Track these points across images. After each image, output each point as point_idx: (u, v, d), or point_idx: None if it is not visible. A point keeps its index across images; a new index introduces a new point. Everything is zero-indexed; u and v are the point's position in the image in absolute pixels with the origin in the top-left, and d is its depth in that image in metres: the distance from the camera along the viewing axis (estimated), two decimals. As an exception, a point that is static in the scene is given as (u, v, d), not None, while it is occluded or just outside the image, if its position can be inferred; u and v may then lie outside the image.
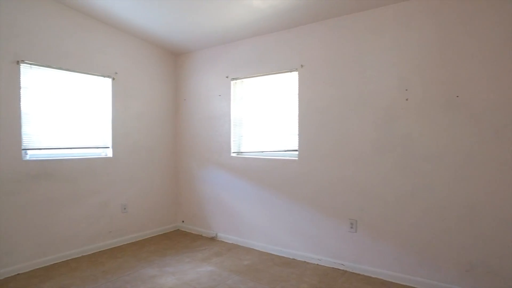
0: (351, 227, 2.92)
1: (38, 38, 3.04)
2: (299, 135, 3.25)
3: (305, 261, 3.19)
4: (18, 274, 2.91)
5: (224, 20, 3.24)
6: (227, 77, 3.84)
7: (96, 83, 3.54)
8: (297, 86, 3.28)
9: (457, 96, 2.44)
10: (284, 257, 3.33)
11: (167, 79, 4.34)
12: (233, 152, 3.80)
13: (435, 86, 2.53)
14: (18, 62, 2.92)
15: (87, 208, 3.44)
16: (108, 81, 3.64)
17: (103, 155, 3.63)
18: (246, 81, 3.74)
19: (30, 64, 3.00)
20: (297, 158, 3.28)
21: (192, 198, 4.24)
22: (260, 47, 3.57)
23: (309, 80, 3.20)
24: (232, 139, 3.79)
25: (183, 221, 4.39)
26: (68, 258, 3.27)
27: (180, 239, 4.00)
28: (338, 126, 3.01)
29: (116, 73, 3.68)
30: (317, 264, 3.11)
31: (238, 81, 3.78)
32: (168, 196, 4.34)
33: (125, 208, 3.78)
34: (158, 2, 2.99)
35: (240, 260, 3.26)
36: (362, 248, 2.88)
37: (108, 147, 3.65)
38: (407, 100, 2.66)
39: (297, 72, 3.28)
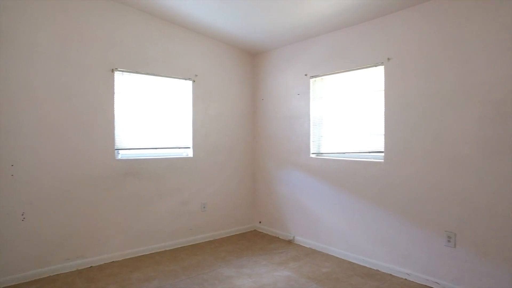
0: (449, 241, 2.58)
1: (129, 47, 3.37)
2: (385, 135, 2.99)
3: (390, 274, 2.94)
4: (112, 261, 3.25)
5: (303, 15, 3.18)
6: (306, 75, 3.75)
7: (178, 86, 3.81)
8: (383, 82, 3.04)
9: None
10: (366, 267, 3.12)
11: (245, 79, 4.44)
12: (312, 153, 3.71)
13: None
14: (112, 70, 3.22)
15: (169, 205, 3.66)
16: (189, 83, 3.86)
17: (184, 155, 3.84)
18: (326, 78, 3.63)
19: (122, 71, 3.26)
20: (382, 160, 3.03)
21: (270, 199, 4.27)
22: (340, 42, 3.41)
23: (397, 74, 2.92)
24: (311, 140, 3.73)
25: (260, 222, 4.42)
26: (153, 252, 3.54)
27: (256, 240, 4.03)
28: (432, 124, 2.69)
29: (196, 75, 3.87)
30: (405, 279, 2.83)
31: (317, 78, 3.69)
32: (246, 196, 4.43)
33: (204, 207, 3.93)
34: (236, 4, 3.02)
35: (319, 266, 3.14)
36: (464, 267, 2.52)
37: (189, 148, 3.85)
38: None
39: (383, 66, 3.05)
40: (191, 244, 3.83)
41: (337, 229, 3.44)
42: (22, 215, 2.81)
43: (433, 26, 2.69)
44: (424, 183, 2.75)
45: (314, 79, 3.70)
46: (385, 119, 3.02)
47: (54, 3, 2.93)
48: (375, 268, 3.07)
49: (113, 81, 3.28)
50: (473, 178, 2.46)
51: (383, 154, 3.05)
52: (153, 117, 3.60)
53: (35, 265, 2.87)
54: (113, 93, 3.27)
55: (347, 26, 3.33)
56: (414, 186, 2.81)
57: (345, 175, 3.35)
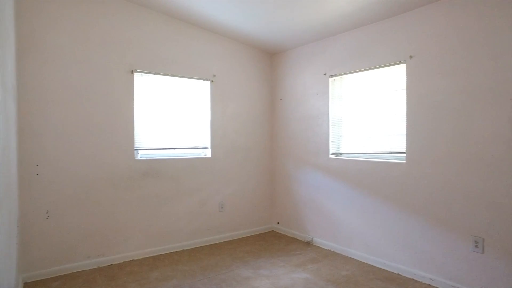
0: (476, 246, 2.47)
1: (148, 48, 3.42)
2: (407, 135, 2.90)
3: (413, 279, 2.84)
4: (132, 260, 3.28)
5: (322, 13, 3.13)
6: (324, 74, 3.70)
7: (196, 86, 3.82)
8: (405, 80, 2.93)
9: None
10: (387, 270, 3.03)
11: (263, 79, 4.45)
12: (332, 154, 3.64)
13: None
14: (132, 72, 3.25)
15: (188, 205, 3.69)
16: (207, 84, 3.85)
17: (202, 155, 3.86)
18: (345, 77, 3.56)
19: (141, 72, 3.31)
20: (404, 161, 2.95)
21: (288, 199, 4.23)
22: (361, 40, 3.34)
23: (420, 72, 2.83)
24: (330, 140, 3.67)
25: (278, 223, 4.39)
26: (171, 251, 3.56)
27: (274, 241, 4.00)
28: (457, 124, 2.58)
29: (214, 75, 3.88)
30: (429, 285, 2.73)
31: (336, 78, 3.64)
32: (264, 196, 4.41)
33: (222, 207, 3.94)
34: (253, 2, 3.00)
35: (338, 269, 3.08)
36: (493, 274, 2.41)
37: (207, 148, 3.86)
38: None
39: (405, 64, 2.96)
40: (209, 244, 3.85)
41: (357, 231, 3.37)
42: (47, 213, 2.90)
43: (458, 21, 2.59)
44: (448, 185, 2.65)
45: (333, 78, 3.65)
46: (407, 119, 2.93)
47: (75, 6, 3.00)
48: (397, 272, 2.98)
49: (133, 82, 3.34)
50: (503, 180, 2.35)
51: (405, 155, 2.96)
52: (171, 117, 3.65)
53: (58, 262, 2.96)
54: (132, 94, 3.33)
55: (367, 24, 3.26)
56: (438, 188, 2.72)
57: (365, 176, 3.28)
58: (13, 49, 2.47)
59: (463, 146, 2.57)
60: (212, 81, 3.90)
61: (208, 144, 3.90)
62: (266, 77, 4.46)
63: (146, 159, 3.45)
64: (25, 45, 2.79)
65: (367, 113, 3.34)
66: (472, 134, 2.51)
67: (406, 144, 2.94)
